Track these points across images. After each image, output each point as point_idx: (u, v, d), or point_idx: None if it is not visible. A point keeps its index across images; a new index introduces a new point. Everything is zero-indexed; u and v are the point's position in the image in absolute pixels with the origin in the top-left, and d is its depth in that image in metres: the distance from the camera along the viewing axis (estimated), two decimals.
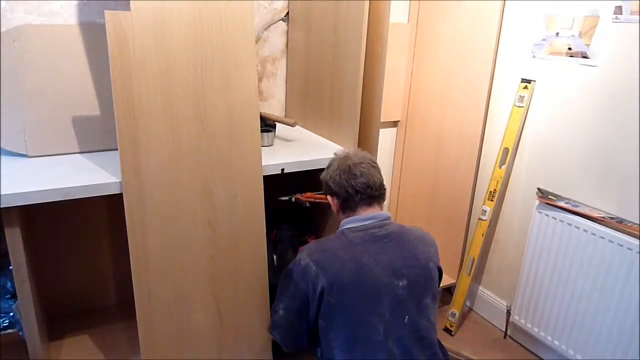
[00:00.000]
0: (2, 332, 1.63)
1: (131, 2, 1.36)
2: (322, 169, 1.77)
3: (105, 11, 1.34)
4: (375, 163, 1.45)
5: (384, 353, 1.30)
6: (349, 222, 1.41)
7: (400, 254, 1.37)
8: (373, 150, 1.88)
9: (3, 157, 1.61)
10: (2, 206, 1.30)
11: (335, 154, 1.51)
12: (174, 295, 1.56)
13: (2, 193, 1.30)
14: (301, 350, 1.47)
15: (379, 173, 1.44)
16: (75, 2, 1.70)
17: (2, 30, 1.58)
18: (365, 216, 1.40)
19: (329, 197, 1.47)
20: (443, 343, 1.47)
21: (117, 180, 1.44)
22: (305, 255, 1.36)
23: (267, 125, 1.88)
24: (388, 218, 1.43)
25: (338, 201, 1.43)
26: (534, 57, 1.99)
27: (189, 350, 1.62)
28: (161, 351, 1.57)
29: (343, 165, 1.42)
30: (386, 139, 2.59)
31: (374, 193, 1.40)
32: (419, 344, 1.35)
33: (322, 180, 1.48)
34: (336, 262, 1.32)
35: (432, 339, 1.39)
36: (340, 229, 1.43)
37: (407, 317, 1.34)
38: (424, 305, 1.38)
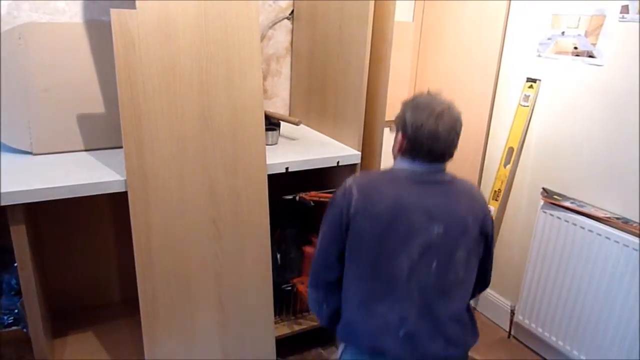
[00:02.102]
0: (7, 329, 1.64)
1: (137, 0, 1.36)
2: (327, 168, 1.77)
3: (111, 9, 1.34)
4: (460, 129, 1.35)
5: (403, 292, 1.24)
6: (403, 164, 1.34)
7: (443, 201, 1.30)
8: (377, 149, 1.88)
9: (9, 155, 1.61)
10: (7, 203, 1.31)
11: (428, 91, 1.38)
12: (178, 293, 1.56)
13: (8, 190, 1.31)
14: (329, 289, 1.36)
15: (458, 141, 1.35)
16: (81, 1, 1.71)
17: (9, 28, 1.59)
18: (422, 164, 1.32)
19: (396, 130, 1.38)
20: None
21: (122, 178, 1.44)
22: (352, 180, 1.33)
23: (272, 123, 1.88)
24: (442, 171, 1.36)
25: (405, 143, 1.33)
26: (539, 56, 1.98)
27: (193, 348, 1.62)
28: (165, 349, 1.57)
29: (431, 119, 1.29)
30: (391, 138, 2.58)
31: (443, 158, 1.34)
32: (443, 297, 1.28)
33: (401, 111, 1.36)
34: (377, 191, 1.29)
35: (458, 297, 1.31)
36: (392, 166, 1.39)
37: (435, 262, 1.27)
38: (455, 258, 1.30)
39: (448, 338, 1.26)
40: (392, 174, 1.35)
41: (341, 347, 1.38)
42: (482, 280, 1.43)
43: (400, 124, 1.35)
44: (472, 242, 1.33)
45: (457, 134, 1.34)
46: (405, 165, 1.34)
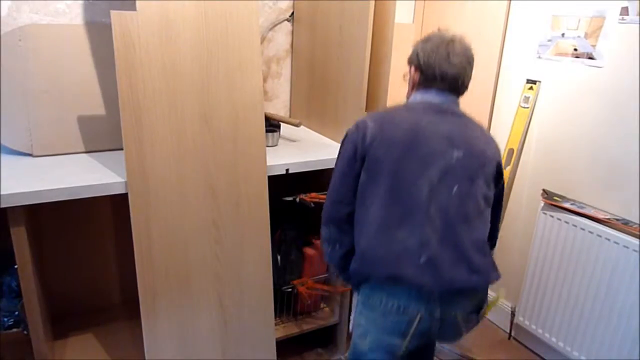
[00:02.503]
0: (7, 331, 1.64)
1: (137, 2, 1.36)
2: (327, 169, 1.77)
3: (111, 11, 1.34)
4: (472, 59, 1.36)
5: (423, 216, 1.21)
6: (417, 96, 1.35)
7: (461, 129, 1.29)
8: None
9: (9, 157, 1.61)
10: (8, 205, 1.31)
11: (439, 29, 1.41)
12: (178, 294, 1.56)
13: (8, 192, 1.31)
14: (343, 226, 1.33)
15: (471, 72, 1.36)
16: (81, 2, 1.71)
17: (9, 29, 1.59)
18: (438, 95, 1.32)
19: (409, 67, 1.39)
20: (448, 345, 1.45)
21: (122, 180, 1.44)
22: (366, 116, 1.34)
23: (272, 125, 1.88)
24: (458, 105, 1.36)
25: (418, 76, 1.34)
26: (539, 57, 1.98)
27: (193, 350, 1.62)
28: (165, 350, 1.57)
29: (442, 47, 1.31)
30: None
31: (457, 87, 1.33)
32: (465, 224, 1.24)
33: (413, 49, 1.38)
34: (393, 120, 1.28)
35: (474, 221, 1.27)
36: (409, 100, 1.38)
37: (456, 187, 1.24)
38: (476, 185, 1.27)
39: (471, 265, 1.22)
40: (407, 105, 1.34)
41: (356, 298, 1.35)
42: (491, 235, 1.37)
43: (412, 59, 1.37)
44: (490, 178, 1.31)
45: (469, 63, 1.34)
46: (419, 97, 1.34)
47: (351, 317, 1.41)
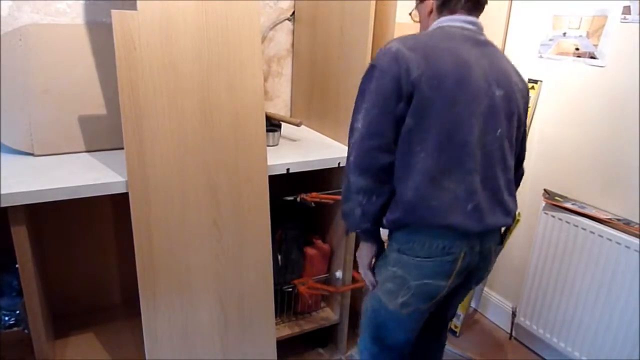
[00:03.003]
0: (8, 330, 1.64)
1: (138, 1, 1.36)
2: (328, 169, 1.77)
3: (112, 11, 1.35)
4: None
5: (472, 163, 1.16)
6: (446, 21, 1.23)
7: (497, 63, 1.21)
8: None
9: (10, 156, 1.61)
10: (9, 205, 1.31)
11: None
12: (178, 294, 1.56)
13: (9, 192, 1.31)
14: (382, 176, 1.18)
15: None
16: (82, 2, 1.71)
17: (10, 29, 1.59)
18: (468, 19, 1.22)
19: (420, 3, 1.29)
20: (449, 345, 1.45)
21: (123, 180, 1.44)
22: (395, 43, 1.16)
23: (273, 124, 1.88)
24: (482, 30, 1.27)
25: (434, 1, 1.25)
26: (540, 57, 1.98)
27: (194, 350, 1.62)
28: (166, 350, 1.57)
29: None
30: None
31: (481, 4, 1.25)
32: (502, 166, 1.22)
33: None
34: (433, 50, 1.14)
35: (510, 164, 1.25)
36: (434, 26, 1.25)
37: (499, 130, 1.19)
38: (512, 124, 1.23)
39: (506, 208, 1.24)
40: (443, 31, 1.21)
41: (391, 244, 1.27)
42: (517, 167, 1.35)
43: None
44: (522, 112, 1.27)
45: None
46: (448, 22, 1.23)
47: (367, 281, 1.33)
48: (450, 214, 1.16)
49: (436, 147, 1.14)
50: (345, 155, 1.80)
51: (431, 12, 1.26)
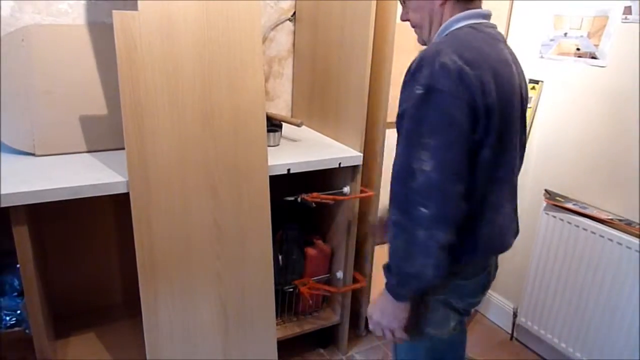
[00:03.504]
0: (9, 330, 1.64)
1: (139, 2, 1.36)
2: (328, 169, 1.77)
3: (113, 11, 1.35)
4: None
5: (507, 189, 1.11)
6: (471, 17, 1.04)
7: (513, 66, 1.07)
8: (379, 151, 1.88)
9: (11, 156, 1.62)
10: (9, 205, 1.31)
11: None
12: (179, 294, 1.56)
13: (10, 192, 1.31)
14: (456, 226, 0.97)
15: None
16: (84, 2, 1.71)
17: (12, 29, 1.59)
18: (484, 12, 1.07)
19: None
20: None
21: (124, 180, 1.45)
22: (449, 54, 0.92)
23: (274, 125, 1.88)
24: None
25: None
26: (542, 57, 1.98)
27: (195, 350, 1.62)
28: (167, 350, 1.57)
29: None
30: (393, 139, 2.58)
31: None
32: (516, 186, 1.18)
33: None
34: (491, 64, 0.96)
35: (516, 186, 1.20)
36: (459, 25, 1.04)
37: (517, 141, 1.11)
38: (521, 140, 1.16)
39: (514, 228, 1.22)
40: (480, 32, 1.02)
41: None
42: (520, 162, 1.23)
43: None
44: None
45: None
46: (472, 19, 1.04)
47: (398, 339, 1.14)
48: (506, 239, 1.17)
49: (495, 173, 1.04)
50: (346, 155, 1.81)
51: (444, 1, 1.04)
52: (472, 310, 1.48)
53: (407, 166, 0.94)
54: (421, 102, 0.92)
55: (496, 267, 1.30)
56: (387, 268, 1.04)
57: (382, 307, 1.08)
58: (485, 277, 1.22)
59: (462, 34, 1.01)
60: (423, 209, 0.92)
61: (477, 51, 0.96)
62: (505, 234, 1.16)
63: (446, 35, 1.03)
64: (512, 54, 1.09)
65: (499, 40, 1.06)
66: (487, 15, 1.08)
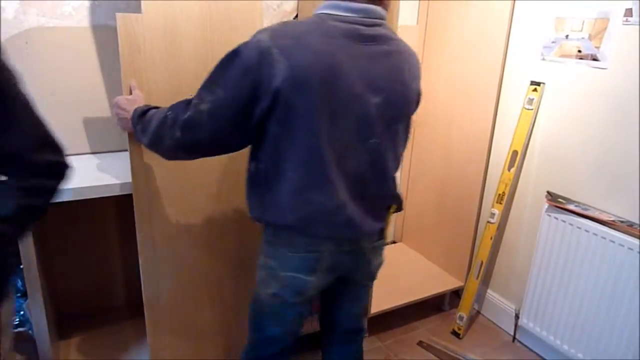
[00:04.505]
0: (13, 330, 1.65)
1: (142, 4, 1.37)
2: None
3: (117, 14, 1.36)
4: None
5: (340, 175, 1.12)
6: (331, 7, 1.09)
7: (383, 64, 1.10)
8: None
9: None
10: None
11: None
12: (182, 295, 1.57)
13: None
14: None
15: None
16: (88, 5, 1.72)
17: (16, 32, 1.60)
18: (355, 6, 1.08)
19: None
20: (452, 347, 1.44)
21: (127, 181, 1.45)
22: (268, 37, 1.03)
23: None
24: (382, 18, 1.13)
25: None
26: (543, 59, 1.98)
27: (197, 350, 1.63)
28: (169, 351, 1.58)
29: None
30: None
31: None
32: (378, 174, 1.19)
33: None
34: (307, 52, 1.02)
35: (390, 173, 1.23)
36: (316, 12, 1.12)
37: (372, 141, 1.13)
38: (394, 131, 1.17)
39: (376, 215, 1.24)
40: (323, 24, 1.07)
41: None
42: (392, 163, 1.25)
43: None
44: (409, 114, 1.22)
45: None
46: (333, 9, 1.08)
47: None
48: (318, 226, 1.15)
49: (303, 160, 1.09)
50: None
51: None
52: (474, 310, 1.47)
53: (200, 91, 1.13)
54: (225, 59, 1.10)
55: (356, 260, 1.27)
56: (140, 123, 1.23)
57: (127, 108, 1.30)
58: (314, 260, 1.20)
59: (305, 21, 1.10)
60: (183, 117, 1.10)
61: (292, 36, 1.03)
62: (316, 222, 1.14)
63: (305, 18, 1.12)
64: (380, 51, 1.10)
65: (353, 33, 1.07)
66: (359, 10, 1.08)
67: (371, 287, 1.49)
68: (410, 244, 2.76)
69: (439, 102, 2.40)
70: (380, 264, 1.39)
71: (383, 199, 1.26)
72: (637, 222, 1.72)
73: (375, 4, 1.10)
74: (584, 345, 1.86)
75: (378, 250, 1.34)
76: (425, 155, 2.54)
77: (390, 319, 2.25)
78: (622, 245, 1.69)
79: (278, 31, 1.05)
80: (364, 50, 1.08)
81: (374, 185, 1.20)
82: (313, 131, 1.06)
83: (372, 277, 1.41)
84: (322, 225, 1.16)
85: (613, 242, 1.71)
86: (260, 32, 1.06)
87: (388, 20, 1.74)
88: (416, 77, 1.20)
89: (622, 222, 1.73)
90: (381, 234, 1.32)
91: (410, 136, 1.35)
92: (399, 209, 1.33)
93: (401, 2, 1.72)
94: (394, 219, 1.38)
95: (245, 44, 1.06)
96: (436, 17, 2.37)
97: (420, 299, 2.25)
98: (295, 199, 1.12)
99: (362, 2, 1.09)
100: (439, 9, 2.35)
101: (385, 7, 1.14)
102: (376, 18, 1.11)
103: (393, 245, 2.81)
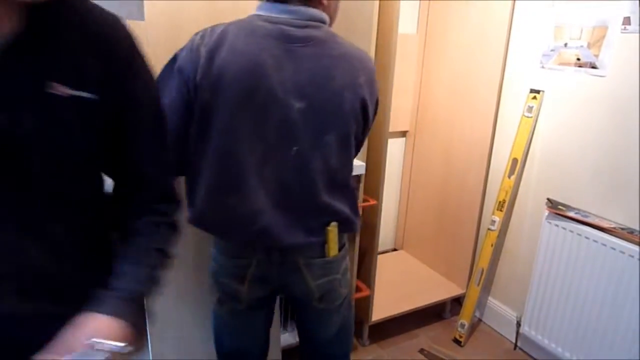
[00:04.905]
0: None
1: (145, 11, 1.38)
2: None
3: None
4: None
5: (257, 182, 1.08)
6: (261, 8, 1.09)
7: (311, 68, 1.06)
8: (382, 160, 1.89)
9: None
10: None
11: None
12: (183, 295, 1.57)
13: None
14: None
15: None
16: None
17: None
18: (284, 7, 1.07)
19: None
20: (453, 355, 1.42)
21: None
22: (199, 37, 1.07)
23: None
24: (321, 21, 1.09)
25: None
26: (542, 67, 1.99)
27: (197, 351, 1.63)
28: (170, 351, 1.58)
29: None
30: (395, 149, 2.60)
31: None
32: (305, 185, 1.11)
33: None
34: (228, 50, 1.02)
35: (320, 186, 1.13)
36: (252, 13, 1.12)
37: (295, 149, 1.07)
38: (324, 142, 1.09)
39: (309, 228, 1.14)
40: (250, 25, 1.06)
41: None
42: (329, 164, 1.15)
43: None
44: (349, 124, 1.11)
45: None
46: (264, 10, 1.08)
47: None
48: (233, 231, 1.13)
49: (215, 164, 1.07)
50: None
51: None
52: (475, 318, 1.45)
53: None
54: (169, 61, 1.10)
55: (290, 273, 1.19)
56: None
57: None
58: (243, 267, 1.18)
59: (241, 20, 1.09)
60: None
61: (220, 40, 1.04)
62: (231, 228, 1.12)
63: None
64: (308, 54, 1.07)
65: (280, 34, 1.06)
66: (288, 11, 1.07)
67: (337, 312, 1.31)
68: (410, 251, 2.76)
69: (439, 110, 2.41)
70: (327, 285, 1.23)
71: (313, 212, 1.15)
72: (638, 229, 1.72)
73: (307, 6, 1.08)
74: (585, 353, 1.85)
75: (318, 268, 1.20)
76: (426, 163, 2.55)
77: (391, 327, 2.24)
78: (623, 252, 1.69)
79: (209, 30, 1.08)
80: (291, 52, 1.05)
81: (301, 196, 1.12)
82: (228, 132, 1.04)
83: (314, 296, 1.23)
84: (236, 231, 1.13)
85: (614, 249, 1.72)
86: (197, 32, 1.09)
87: (387, 28, 1.76)
88: (359, 85, 1.10)
89: (622, 229, 1.74)
90: (322, 251, 1.19)
91: (358, 153, 1.26)
92: (348, 229, 1.21)
93: (401, 11, 1.73)
94: (347, 236, 1.24)
95: (184, 46, 1.09)
96: (436, 25, 2.39)
97: (421, 306, 2.25)
98: (209, 200, 1.10)
99: (293, 4, 1.07)
100: (438, 17, 2.37)
101: (325, 10, 1.11)
102: (308, 20, 1.08)
103: (394, 252, 2.81)
